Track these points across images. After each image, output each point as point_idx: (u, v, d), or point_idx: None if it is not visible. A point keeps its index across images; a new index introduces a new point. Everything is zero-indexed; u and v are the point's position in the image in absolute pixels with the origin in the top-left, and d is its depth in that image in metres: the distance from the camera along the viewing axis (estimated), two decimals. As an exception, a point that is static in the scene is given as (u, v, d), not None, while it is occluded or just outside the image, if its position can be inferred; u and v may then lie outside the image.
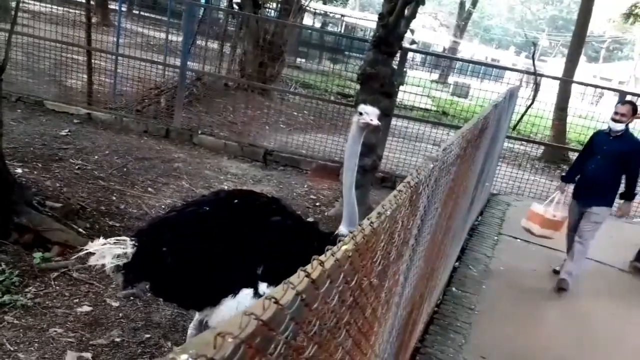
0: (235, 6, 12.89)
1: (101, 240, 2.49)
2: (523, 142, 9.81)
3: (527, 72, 9.05)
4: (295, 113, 11.38)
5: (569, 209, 5.69)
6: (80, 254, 2.62)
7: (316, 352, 0.98)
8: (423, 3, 6.20)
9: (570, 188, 5.75)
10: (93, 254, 2.43)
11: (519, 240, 6.60)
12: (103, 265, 2.43)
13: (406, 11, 6.19)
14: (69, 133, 7.66)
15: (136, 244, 2.40)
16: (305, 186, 7.64)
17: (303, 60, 20.67)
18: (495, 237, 6.52)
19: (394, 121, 9.05)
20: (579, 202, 5.53)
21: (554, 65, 33.13)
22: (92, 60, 8.93)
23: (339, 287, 0.95)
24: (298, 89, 13.62)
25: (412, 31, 6.69)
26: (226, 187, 6.92)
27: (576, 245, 5.42)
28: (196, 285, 2.41)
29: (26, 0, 10.92)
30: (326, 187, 7.73)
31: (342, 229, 3.04)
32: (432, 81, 21.33)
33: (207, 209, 2.49)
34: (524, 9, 56.35)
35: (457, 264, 5.64)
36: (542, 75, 8.83)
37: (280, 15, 12.92)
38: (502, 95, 4.81)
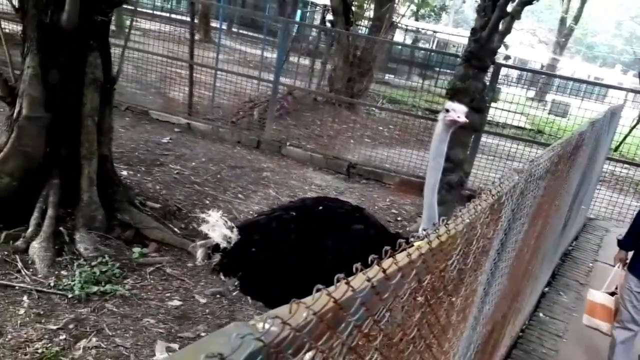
0: (327, 23, 13.22)
1: (218, 213, 2.65)
2: (626, 164, 9.16)
3: (632, 91, 8.46)
4: (381, 128, 11.41)
5: (621, 288, 3.97)
6: (203, 216, 2.73)
7: (386, 345, 1.02)
8: (518, 17, 6.04)
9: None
10: (207, 222, 2.59)
11: (616, 268, 6.14)
12: (206, 239, 2.57)
13: (500, 26, 6.08)
14: (170, 141, 8.21)
15: (239, 235, 2.55)
16: (388, 200, 7.63)
17: (392, 76, 20.67)
18: (590, 264, 6.14)
19: (484, 138, 8.84)
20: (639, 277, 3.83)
21: (667, 85, 30.55)
22: (194, 74, 9.54)
23: (411, 282, 0.98)
24: (385, 104, 13.65)
25: (506, 46, 6.53)
26: (309, 196, 7.08)
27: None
28: (277, 286, 2.51)
29: (138, 19, 11.92)
30: (409, 202, 7.67)
31: (421, 228, 3.02)
32: (528, 99, 20.51)
33: (293, 214, 2.60)
34: (633, 25, 52.63)
35: (546, 289, 5.38)
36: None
37: (371, 31, 13.05)
38: (601, 114, 4.56)
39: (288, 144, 8.91)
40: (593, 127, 3.65)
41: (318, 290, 0.73)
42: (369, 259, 0.83)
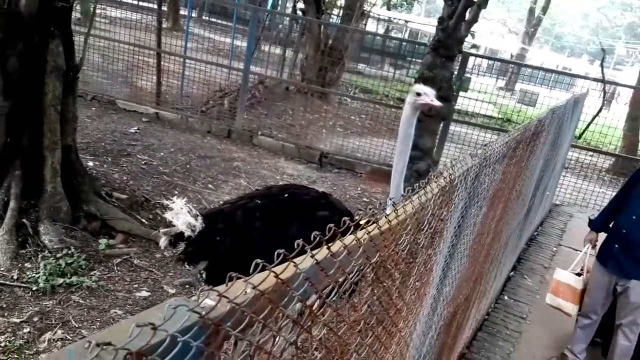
0: (299, 12, 13.16)
1: (183, 201, 2.62)
2: (590, 152, 9.40)
3: (596, 80, 8.68)
4: (353, 117, 11.46)
5: (591, 277, 3.89)
6: (166, 203, 2.68)
7: (336, 320, 1.04)
8: (485, 6, 6.12)
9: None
10: (171, 209, 2.56)
11: (579, 252, 6.33)
12: (171, 227, 2.54)
13: (467, 15, 6.15)
14: (138, 131, 8.09)
15: (204, 224, 2.54)
16: (359, 189, 7.69)
17: (365, 65, 20.73)
18: (554, 249, 6.31)
19: (454, 127, 8.96)
20: (611, 268, 3.71)
21: (631, 74, 31.39)
22: (162, 63, 9.39)
23: (359, 260, 1.01)
24: (357, 94, 13.69)
25: (473, 35, 6.60)
26: (282, 187, 7.09)
27: (619, 340, 3.69)
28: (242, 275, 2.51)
29: (105, 7, 11.67)
30: (380, 191, 7.74)
31: (389, 210, 3.05)
32: (498, 88, 20.82)
33: (259, 202, 2.60)
34: (599, 16, 53.78)
35: (512, 273, 5.51)
36: (610, 83, 8.47)
37: (343, 20, 13.05)
38: (563, 101, 4.67)
39: (259, 133, 8.87)
40: (554, 114, 3.74)
41: (257, 266, 0.74)
42: (312, 236, 0.85)
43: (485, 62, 25.20)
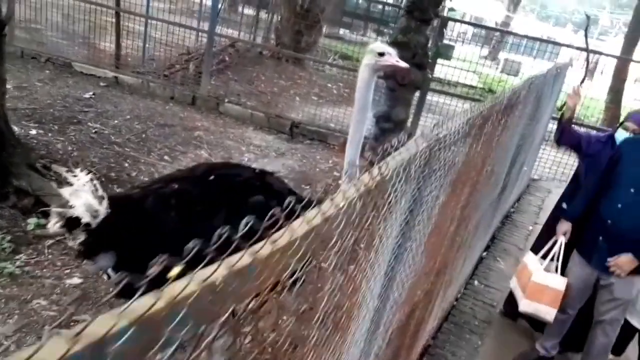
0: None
1: (88, 176, 2.18)
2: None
3: (580, 49, 8.28)
4: (329, 85, 10.94)
5: (569, 269, 3.52)
6: (66, 175, 2.24)
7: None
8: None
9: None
10: (70, 184, 2.13)
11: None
12: (66, 207, 2.12)
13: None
14: (93, 96, 7.52)
15: (109, 209, 2.12)
16: (330, 162, 7.27)
17: (346, 30, 20.05)
18: (530, 227, 6.01)
19: (431, 97, 8.53)
20: (591, 262, 3.36)
21: (615, 45, 31.05)
22: (122, 23, 8.75)
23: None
24: (336, 60, 13.13)
25: (451, -3, 6.11)
26: (247, 159, 6.65)
27: (597, 336, 3.40)
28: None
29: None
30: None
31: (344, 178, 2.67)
32: (482, 57, 20.36)
33: (175, 186, 2.16)
34: (586, -16, 52.99)
35: (484, 254, 5.20)
36: (593, 52, 8.07)
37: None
38: (543, 71, 4.27)
39: (226, 100, 8.34)
40: (531, 85, 3.34)
41: None
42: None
43: (470, 29, 24.65)
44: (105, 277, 2.25)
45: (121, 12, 8.50)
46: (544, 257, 3.61)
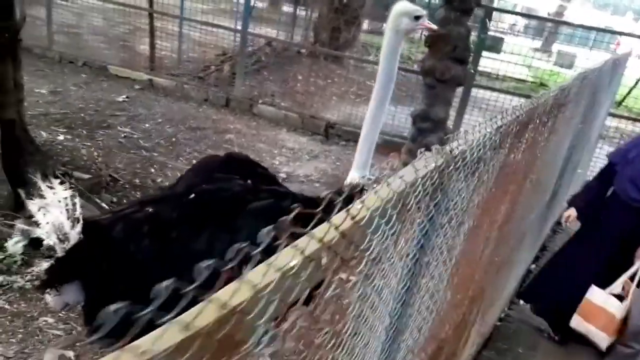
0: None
1: (68, 191, 1.95)
2: (631, 120, 8.32)
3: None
4: (369, 82, 10.52)
5: (635, 298, 3.08)
6: (41, 184, 2.02)
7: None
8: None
9: None
10: (43, 197, 1.90)
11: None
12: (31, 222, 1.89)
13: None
14: (126, 99, 7.45)
15: (81, 235, 1.87)
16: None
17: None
18: (586, 235, 5.42)
19: (478, 93, 8.02)
20: None
21: (681, 33, 28.93)
22: (158, 25, 8.67)
23: None
24: (378, 57, 12.70)
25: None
26: (277, 162, 6.38)
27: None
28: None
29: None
30: (389, 167, 6.93)
31: (353, 174, 2.34)
32: (534, 49, 19.39)
33: (149, 210, 1.87)
34: (648, -31, 49.92)
35: (533, 266, 4.71)
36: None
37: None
38: (598, 64, 3.76)
39: (260, 102, 8.11)
40: (584, 80, 2.88)
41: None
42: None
43: (521, 21, 23.55)
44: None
45: (154, 14, 8.39)
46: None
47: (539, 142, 2.27)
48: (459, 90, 6.76)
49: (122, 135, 6.10)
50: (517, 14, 11.48)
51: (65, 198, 1.88)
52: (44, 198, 1.84)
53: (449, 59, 5.29)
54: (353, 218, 0.81)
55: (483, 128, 1.34)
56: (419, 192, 1.11)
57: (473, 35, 7.43)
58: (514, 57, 12.34)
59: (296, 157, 6.72)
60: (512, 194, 2.20)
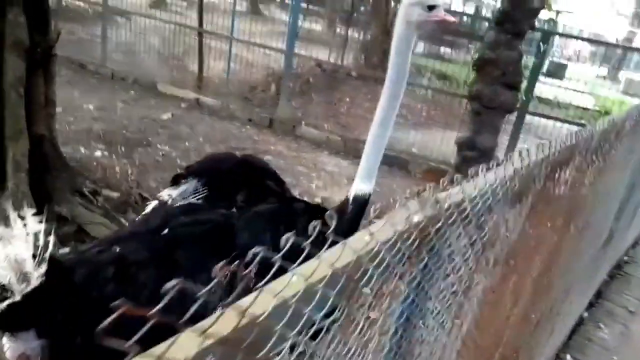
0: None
1: (40, 225, 1.77)
2: None
3: None
4: (419, 106, 10.21)
5: None
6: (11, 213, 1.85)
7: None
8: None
9: None
10: (8, 226, 1.73)
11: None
12: None
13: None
14: (171, 117, 7.49)
15: (44, 277, 1.68)
16: (409, 192, 6.54)
17: (449, 49, 19.19)
18: (649, 283, 4.87)
19: (533, 120, 7.55)
20: None
21: None
22: (208, 43, 8.77)
23: None
24: (431, 80, 12.39)
25: (549, 7, 5.25)
26: (314, 186, 6.16)
27: None
28: None
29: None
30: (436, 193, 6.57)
31: (358, 184, 2.07)
32: (601, 77, 18.46)
33: (117, 250, 1.67)
34: None
35: (585, 314, 4.23)
36: None
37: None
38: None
39: (304, 123, 7.96)
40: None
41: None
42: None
43: (586, 46, 22.52)
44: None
45: (204, 33, 8.47)
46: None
47: (583, 183, 1.94)
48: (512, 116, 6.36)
49: (161, 153, 6.08)
50: (580, 38, 10.85)
51: (35, 233, 1.70)
52: (10, 228, 1.66)
53: (498, 84, 4.95)
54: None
55: (493, 173, 1.06)
56: (400, 252, 0.84)
57: (529, 60, 7.02)
58: (578, 84, 11.72)
59: (335, 181, 6.49)
60: (549, 243, 1.87)
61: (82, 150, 5.54)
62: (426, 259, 0.95)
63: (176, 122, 7.38)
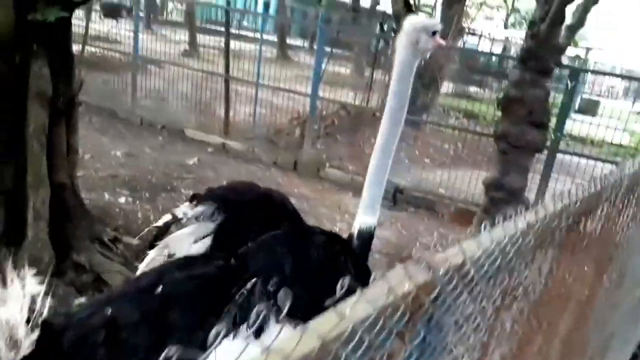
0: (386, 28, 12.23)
1: (38, 287, 1.71)
2: None
3: None
4: (446, 146, 10.06)
5: None
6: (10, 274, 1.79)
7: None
8: (593, 3, 4.68)
9: None
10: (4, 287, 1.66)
11: None
12: None
13: (571, 17, 4.77)
14: (197, 162, 7.54)
15: (33, 345, 1.59)
16: (436, 234, 6.37)
17: (477, 88, 19.14)
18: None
19: (564, 158, 7.30)
20: None
21: None
22: (234, 88, 8.91)
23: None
24: (459, 119, 12.31)
25: (575, 43, 5.13)
26: (337, 229, 6.02)
27: None
28: None
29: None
30: (463, 238, 6.35)
31: (362, 217, 2.06)
32: (636, 113, 18.01)
33: (109, 311, 1.57)
34: None
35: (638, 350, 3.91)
36: None
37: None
38: None
39: (328, 165, 7.91)
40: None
41: None
42: None
43: (619, 82, 22.10)
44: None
45: (231, 79, 8.62)
46: None
47: (614, 232, 1.77)
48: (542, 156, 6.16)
49: (184, 198, 6.06)
50: (610, 74, 10.65)
51: (32, 294, 1.63)
52: (7, 289, 1.59)
53: (525, 123, 4.81)
54: None
55: (500, 229, 0.94)
56: (385, 329, 0.72)
57: (557, 97, 6.86)
58: (612, 120, 11.46)
59: (359, 224, 6.33)
60: (578, 298, 1.70)
61: (107, 196, 5.58)
62: (422, 332, 0.83)
63: (202, 166, 7.43)
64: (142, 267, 1.94)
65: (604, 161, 7.21)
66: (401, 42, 1.88)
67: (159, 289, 1.60)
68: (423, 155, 9.23)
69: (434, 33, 1.86)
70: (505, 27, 27.15)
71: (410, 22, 1.91)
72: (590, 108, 16.81)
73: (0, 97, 3.71)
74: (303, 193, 7.03)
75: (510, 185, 4.99)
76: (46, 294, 1.73)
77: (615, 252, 1.97)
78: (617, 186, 1.53)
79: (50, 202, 3.90)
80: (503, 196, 5.06)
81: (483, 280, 0.93)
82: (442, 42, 1.90)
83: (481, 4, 16.99)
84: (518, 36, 28.17)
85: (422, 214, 7.05)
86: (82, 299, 3.75)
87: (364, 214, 1.96)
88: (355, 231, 1.96)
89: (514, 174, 5.06)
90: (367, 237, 1.95)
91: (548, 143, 5.88)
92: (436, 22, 1.98)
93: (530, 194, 6.12)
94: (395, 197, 7.29)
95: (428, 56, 1.95)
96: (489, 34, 23.80)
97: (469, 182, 7.32)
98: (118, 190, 5.86)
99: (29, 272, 1.80)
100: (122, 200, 5.59)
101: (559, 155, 7.11)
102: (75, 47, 5.60)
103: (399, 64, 1.88)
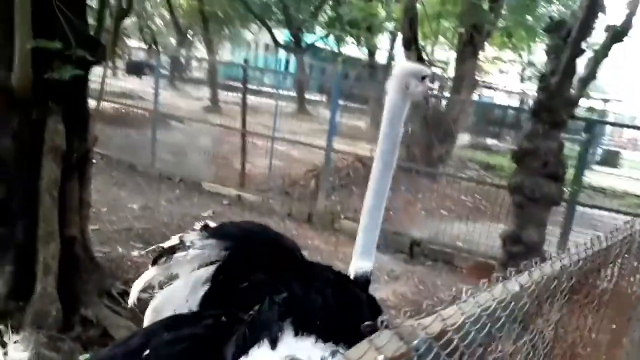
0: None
1: (24, 354, 1.67)
2: None
3: None
4: (464, 198, 9.93)
5: None
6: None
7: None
8: (604, 56, 4.68)
9: None
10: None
11: None
12: None
13: (583, 70, 4.78)
14: (212, 215, 7.56)
15: None
16: (454, 289, 6.17)
17: (495, 140, 19.16)
18: None
19: (584, 210, 7.13)
20: None
21: None
22: (252, 142, 9.03)
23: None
24: (477, 171, 12.24)
25: (588, 95, 5.10)
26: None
27: None
28: None
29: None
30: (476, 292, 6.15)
31: (357, 262, 1.99)
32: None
33: None
34: None
35: None
36: None
37: (453, 90, 11.88)
38: None
39: (342, 216, 7.85)
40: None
41: None
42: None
43: (640, 133, 21.91)
44: None
45: (247, 134, 8.76)
46: None
47: (632, 289, 1.67)
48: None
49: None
50: (624, 126, 10.57)
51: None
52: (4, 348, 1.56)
53: (540, 175, 4.73)
54: None
55: (487, 292, 0.88)
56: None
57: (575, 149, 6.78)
58: (634, 172, 11.29)
59: (374, 278, 6.16)
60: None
61: (120, 249, 5.59)
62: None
63: (216, 218, 7.41)
64: (140, 284, 1.88)
65: (625, 213, 7.00)
66: (392, 86, 1.91)
67: (147, 351, 1.55)
68: (440, 207, 9.11)
69: (423, 78, 1.90)
70: (522, 80, 27.37)
71: (401, 66, 1.97)
72: (611, 159, 16.64)
73: (16, 152, 3.79)
74: (317, 245, 6.96)
75: (527, 238, 4.86)
76: (52, 349, 1.70)
77: (634, 311, 1.86)
78: (627, 243, 1.45)
79: (61, 256, 3.90)
80: (520, 250, 4.92)
81: (468, 349, 0.86)
82: (432, 86, 1.94)
83: (495, 59, 17.18)
84: (533, 89, 28.35)
85: (440, 267, 6.88)
86: (86, 355, 3.68)
87: (359, 259, 1.92)
88: (350, 277, 1.91)
89: (531, 227, 4.94)
90: (363, 282, 1.91)
91: (566, 195, 5.75)
92: (425, 67, 1.98)
93: (551, 247, 5.95)
94: (412, 251, 7.16)
95: (418, 99, 1.97)
96: (505, 87, 24.00)
97: (488, 235, 7.16)
98: (132, 243, 5.86)
99: (12, 338, 1.77)
100: (134, 253, 5.59)
101: (580, 208, 6.94)
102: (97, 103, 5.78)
103: (389, 107, 1.91)
